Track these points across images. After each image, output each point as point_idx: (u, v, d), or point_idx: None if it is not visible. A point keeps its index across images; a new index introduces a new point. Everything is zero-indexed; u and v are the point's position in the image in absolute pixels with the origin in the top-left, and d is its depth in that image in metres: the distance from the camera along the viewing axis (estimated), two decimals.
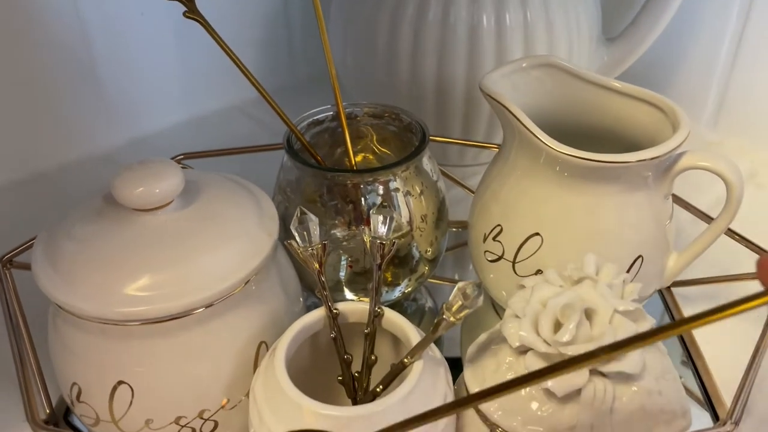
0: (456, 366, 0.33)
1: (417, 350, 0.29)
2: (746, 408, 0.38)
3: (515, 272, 0.39)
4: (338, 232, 0.39)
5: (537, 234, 0.37)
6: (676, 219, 0.45)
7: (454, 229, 0.52)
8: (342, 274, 0.41)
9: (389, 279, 0.41)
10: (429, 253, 0.42)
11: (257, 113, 0.70)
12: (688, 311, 0.45)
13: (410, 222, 0.40)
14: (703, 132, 0.65)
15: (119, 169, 0.32)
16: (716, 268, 0.46)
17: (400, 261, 0.41)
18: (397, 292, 0.42)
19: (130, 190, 0.31)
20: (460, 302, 0.28)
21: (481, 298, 0.28)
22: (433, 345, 0.31)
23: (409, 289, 0.43)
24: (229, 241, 0.32)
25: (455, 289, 0.28)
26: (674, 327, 0.20)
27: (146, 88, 0.64)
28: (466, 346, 0.37)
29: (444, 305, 0.29)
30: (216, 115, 0.69)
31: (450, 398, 0.30)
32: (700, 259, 0.47)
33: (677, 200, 0.46)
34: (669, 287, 0.47)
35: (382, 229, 0.32)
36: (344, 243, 0.39)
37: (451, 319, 0.28)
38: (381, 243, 0.32)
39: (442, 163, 0.52)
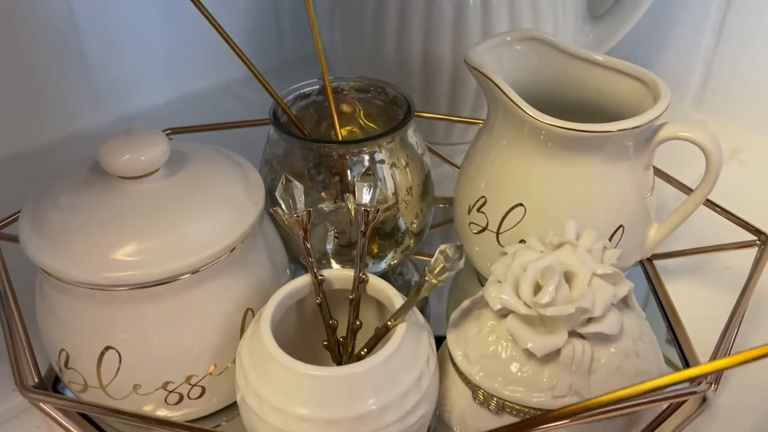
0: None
1: (400, 313, 0.30)
2: (724, 376, 0.39)
3: (499, 243, 0.39)
4: (325, 206, 0.40)
5: (520, 204, 0.38)
6: (659, 194, 0.45)
7: (441, 206, 0.52)
8: (329, 246, 0.41)
9: (375, 251, 0.42)
10: (414, 226, 0.42)
11: (245, 92, 0.70)
12: (669, 284, 0.46)
13: (396, 194, 0.40)
14: (688, 111, 0.66)
15: (105, 138, 0.32)
16: (698, 241, 0.47)
17: (386, 233, 0.41)
18: (383, 264, 0.43)
19: (117, 157, 0.31)
20: (441, 264, 0.29)
21: (463, 260, 0.29)
22: (416, 310, 0.32)
23: (395, 261, 0.43)
24: (215, 209, 0.33)
25: (437, 252, 0.29)
26: None
27: (133, 67, 0.64)
28: None
29: (426, 268, 0.29)
30: (203, 94, 0.69)
31: (433, 361, 0.31)
32: (682, 232, 0.48)
33: (659, 174, 0.47)
34: (651, 260, 0.47)
35: (367, 197, 0.32)
36: (331, 215, 0.40)
37: (433, 281, 0.29)
38: (365, 210, 0.32)
39: (430, 141, 0.52)
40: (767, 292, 0.45)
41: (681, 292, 0.45)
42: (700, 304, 0.44)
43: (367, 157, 0.38)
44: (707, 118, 0.65)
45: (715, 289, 0.46)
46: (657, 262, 0.47)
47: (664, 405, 0.31)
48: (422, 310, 0.32)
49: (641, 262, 0.47)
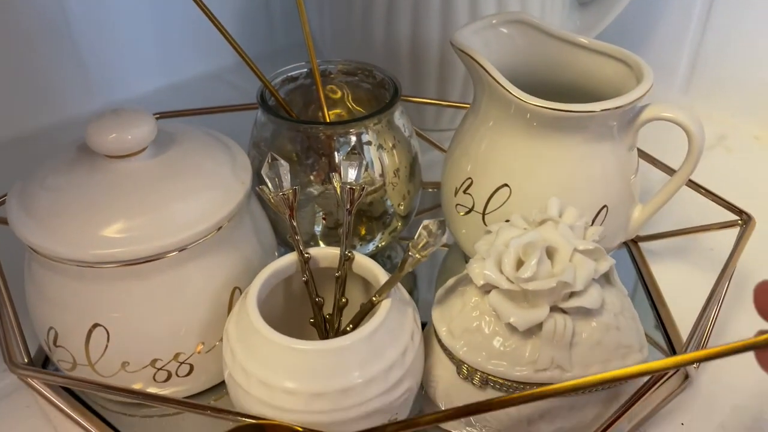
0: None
1: (385, 288, 0.30)
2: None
3: (485, 224, 0.39)
4: (314, 189, 0.40)
5: (505, 185, 0.38)
6: (646, 179, 0.46)
7: (430, 190, 0.53)
8: (317, 228, 0.42)
9: (363, 233, 0.42)
10: (402, 208, 0.43)
11: (236, 79, 0.70)
12: (655, 266, 0.47)
13: (383, 175, 0.40)
14: (676, 97, 0.66)
15: (92, 117, 0.32)
16: (683, 224, 0.47)
17: (373, 215, 0.42)
18: (371, 246, 0.43)
19: (104, 136, 0.31)
20: (425, 240, 0.29)
21: (445, 235, 0.29)
22: (401, 287, 0.32)
23: (383, 244, 0.44)
24: (202, 188, 0.33)
25: (420, 227, 0.29)
26: None
27: (124, 53, 0.64)
28: None
29: (410, 243, 0.30)
30: (193, 81, 0.69)
31: (417, 337, 0.31)
32: (667, 215, 0.48)
33: (646, 157, 0.47)
34: (637, 243, 0.48)
35: (352, 175, 0.33)
36: (319, 198, 0.40)
37: (417, 255, 0.29)
38: (351, 188, 0.32)
39: (420, 126, 0.52)
40: (751, 272, 0.45)
41: (666, 274, 0.46)
42: (685, 285, 0.45)
43: (354, 139, 0.39)
44: (694, 104, 0.65)
45: (699, 270, 0.47)
46: (643, 245, 0.48)
47: (645, 378, 0.32)
48: (411, 294, 0.33)
49: (627, 245, 0.48)
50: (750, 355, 0.40)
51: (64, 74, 0.61)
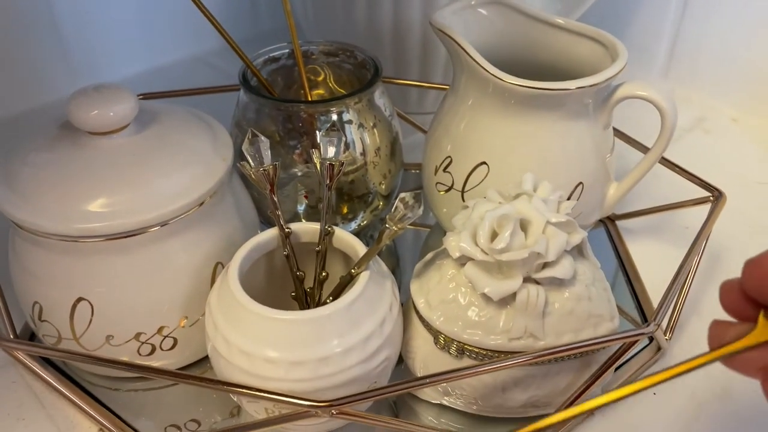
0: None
1: (363, 261, 0.31)
2: (679, 326, 0.41)
3: (464, 201, 0.40)
4: (296, 169, 0.41)
5: (484, 163, 0.39)
6: (624, 160, 0.47)
7: (413, 171, 0.54)
8: (300, 208, 0.42)
9: (345, 211, 0.43)
10: (383, 187, 0.43)
11: (220, 63, 0.70)
12: (632, 244, 0.48)
13: (364, 154, 0.41)
14: (655, 80, 0.67)
15: (74, 94, 0.33)
16: (660, 202, 0.48)
17: (355, 194, 0.42)
18: (353, 225, 0.44)
19: (86, 112, 0.32)
20: (402, 212, 0.30)
21: (422, 207, 0.30)
22: (380, 260, 0.33)
23: (365, 222, 0.44)
24: (184, 164, 0.33)
25: (396, 200, 0.30)
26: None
27: (106, 36, 0.64)
28: None
29: (387, 216, 0.30)
30: (177, 64, 0.69)
31: (396, 308, 0.32)
32: (644, 194, 0.49)
33: (620, 135, 0.48)
34: (614, 221, 0.49)
35: (331, 151, 0.33)
36: (301, 178, 0.41)
37: (394, 227, 0.30)
38: (330, 164, 0.33)
39: (403, 109, 0.53)
40: (725, 247, 0.47)
41: (643, 252, 0.47)
42: (660, 261, 0.46)
43: (335, 117, 0.39)
44: (673, 86, 0.66)
45: (675, 247, 0.47)
46: (620, 223, 0.49)
47: (616, 347, 0.33)
48: (393, 274, 0.33)
49: (604, 224, 0.49)
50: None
51: (46, 58, 0.61)
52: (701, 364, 0.24)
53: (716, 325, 0.25)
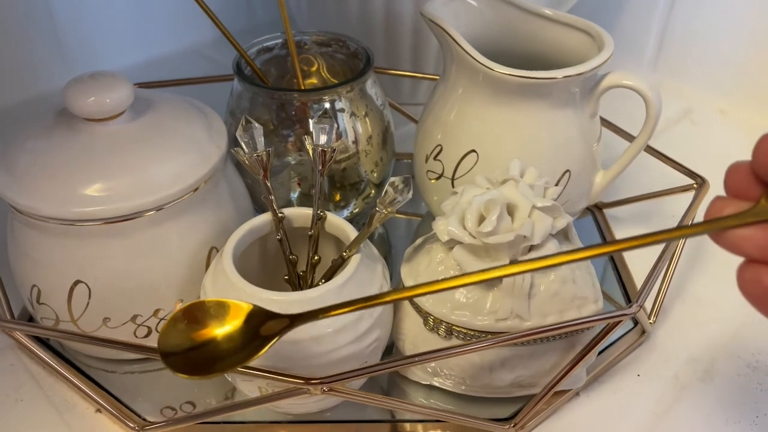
0: None
1: (355, 244, 0.32)
2: (663, 310, 0.42)
3: (454, 189, 0.41)
4: (290, 158, 0.41)
5: (473, 151, 0.40)
6: (612, 150, 0.48)
7: (406, 161, 0.54)
8: (293, 195, 0.43)
9: (337, 198, 0.44)
10: (375, 175, 0.44)
11: (214, 54, 0.71)
12: (619, 232, 0.49)
13: (356, 142, 0.42)
14: (644, 73, 0.68)
15: (70, 81, 0.33)
16: (646, 191, 0.49)
17: (347, 182, 0.43)
18: (345, 213, 0.45)
19: (82, 99, 0.32)
20: (392, 196, 0.31)
21: (411, 192, 0.31)
22: (370, 244, 0.34)
23: (357, 210, 0.45)
24: (179, 150, 0.34)
25: (387, 185, 0.31)
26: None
27: (102, 28, 0.64)
28: None
29: (378, 200, 0.31)
30: (172, 56, 0.70)
31: (386, 290, 0.33)
32: (633, 183, 0.50)
33: (608, 125, 0.49)
34: (601, 209, 0.50)
35: (324, 138, 0.34)
36: (295, 167, 0.42)
37: (384, 211, 0.31)
38: (322, 150, 0.34)
39: (396, 100, 0.54)
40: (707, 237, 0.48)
41: None
42: (647, 250, 0.47)
43: (327, 106, 0.40)
44: (662, 79, 0.67)
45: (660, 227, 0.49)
46: (607, 212, 0.50)
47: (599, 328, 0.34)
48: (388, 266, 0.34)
49: (592, 212, 0.50)
50: (702, 313, 0.42)
51: (41, 49, 0.62)
52: (695, 233, 0.22)
53: (717, 201, 0.23)
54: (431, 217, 0.48)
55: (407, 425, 0.35)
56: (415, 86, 0.60)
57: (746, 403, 0.37)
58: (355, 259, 0.32)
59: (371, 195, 0.45)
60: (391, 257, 0.47)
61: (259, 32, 0.46)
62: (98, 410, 0.36)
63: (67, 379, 0.35)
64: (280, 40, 0.44)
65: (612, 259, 0.46)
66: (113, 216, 0.32)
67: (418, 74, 0.54)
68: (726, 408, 0.37)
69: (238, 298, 0.30)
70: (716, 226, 0.21)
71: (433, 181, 0.42)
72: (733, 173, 0.23)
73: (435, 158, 0.42)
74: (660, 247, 0.38)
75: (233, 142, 0.39)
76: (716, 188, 0.46)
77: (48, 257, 0.33)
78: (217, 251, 0.36)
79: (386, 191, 0.31)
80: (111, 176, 0.32)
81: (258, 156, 0.33)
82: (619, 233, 0.48)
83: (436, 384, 0.36)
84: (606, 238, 0.48)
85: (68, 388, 0.37)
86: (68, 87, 0.33)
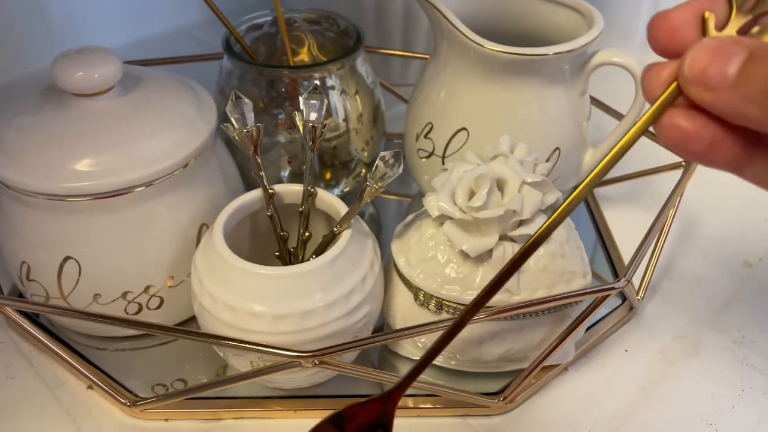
0: None
1: (345, 219, 0.32)
2: (651, 288, 0.42)
3: (444, 166, 0.41)
4: (280, 137, 0.41)
5: (464, 128, 0.40)
6: (601, 128, 0.48)
7: (397, 141, 0.54)
8: (284, 174, 0.43)
9: (328, 177, 0.44)
10: (365, 154, 0.44)
11: (203, 35, 0.70)
12: (609, 211, 0.49)
13: (346, 120, 0.42)
14: (635, 55, 0.68)
15: (58, 57, 0.33)
16: (637, 170, 0.50)
17: (338, 160, 0.43)
18: (336, 191, 0.45)
19: (70, 74, 0.32)
20: (382, 170, 0.31)
21: (401, 166, 0.31)
22: (361, 220, 0.34)
23: (348, 189, 0.45)
24: (168, 126, 0.34)
25: (377, 159, 0.31)
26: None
27: (90, 9, 0.64)
28: None
29: (369, 174, 0.31)
30: (161, 37, 0.69)
31: (377, 266, 0.33)
32: (622, 161, 0.50)
33: (598, 104, 0.49)
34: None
35: (314, 114, 0.34)
36: (285, 144, 0.42)
37: (375, 185, 0.31)
38: (312, 126, 0.34)
39: (387, 81, 0.53)
40: (698, 216, 0.48)
41: (620, 219, 0.48)
42: (636, 228, 0.47)
43: (317, 83, 0.40)
44: (652, 59, 0.67)
45: (651, 214, 0.48)
46: (597, 191, 0.50)
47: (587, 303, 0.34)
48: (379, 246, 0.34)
49: None
50: (689, 289, 0.43)
51: (28, 29, 0.61)
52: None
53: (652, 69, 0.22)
54: (422, 197, 0.48)
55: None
56: (406, 66, 0.60)
57: (732, 377, 0.38)
58: (346, 235, 0.32)
59: (362, 174, 0.45)
60: (381, 237, 0.47)
61: (248, 13, 0.45)
62: (90, 387, 0.36)
63: (59, 355, 0.35)
64: (269, 18, 0.44)
65: (601, 237, 0.47)
66: (103, 191, 0.32)
67: (409, 53, 0.54)
68: (712, 382, 0.37)
69: (228, 272, 0.30)
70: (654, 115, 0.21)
71: (423, 159, 0.43)
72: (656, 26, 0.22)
73: (425, 137, 0.42)
74: (648, 224, 0.38)
75: (223, 120, 0.39)
76: (708, 171, 0.46)
77: (37, 233, 0.33)
78: (208, 228, 0.36)
79: (377, 165, 0.31)
80: (100, 151, 0.32)
81: (248, 131, 0.33)
82: (609, 212, 0.49)
83: None
84: (595, 217, 0.48)
85: (59, 365, 0.37)
86: (56, 62, 0.33)
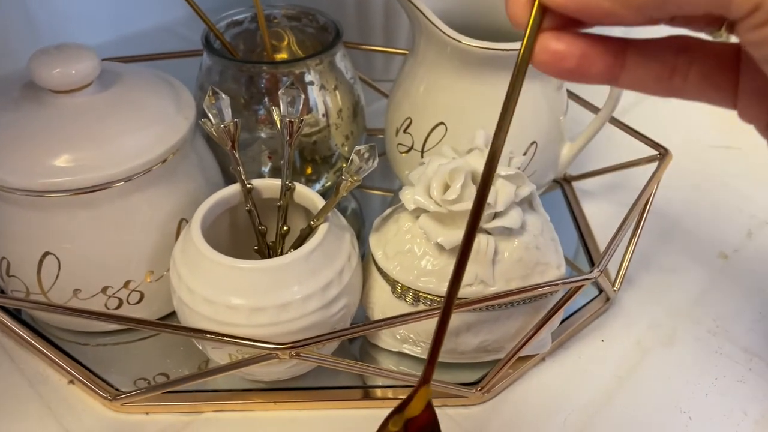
0: None
1: (322, 213, 0.32)
2: (628, 278, 0.43)
3: (422, 160, 0.42)
4: (261, 133, 0.42)
5: (442, 123, 0.40)
6: (581, 125, 0.48)
7: (379, 136, 0.55)
8: (265, 170, 0.43)
9: (308, 172, 0.44)
10: (346, 149, 0.45)
11: (185, 32, 0.70)
12: (587, 204, 0.50)
13: (326, 115, 0.42)
14: None
15: (36, 53, 0.33)
16: (615, 163, 0.50)
17: (319, 155, 0.43)
18: (317, 186, 0.45)
19: (48, 71, 0.32)
20: (357, 164, 0.31)
21: (376, 160, 0.31)
22: (339, 213, 0.35)
23: (329, 184, 0.46)
24: (147, 122, 0.34)
25: (352, 153, 0.31)
26: None
27: (72, 6, 0.64)
28: None
29: (344, 168, 0.32)
30: (144, 34, 0.69)
31: (354, 259, 0.34)
32: (600, 156, 0.51)
33: (576, 99, 0.49)
34: (570, 181, 0.51)
35: (291, 108, 0.34)
36: (264, 137, 0.42)
37: (350, 179, 0.31)
38: (290, 121, 0.34)
39: (368, 76, 0.54)
40: (674, 208, 0.49)
41: (598, 212, 0.49)
42: (614, 221, 0.48)
43: (294, 79, 0.40)
44: None
45: (628, 207, 0.50)
46: (576, 185, 0.51)
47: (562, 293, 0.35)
48: (358, 239, 0.35)
49: (561, 185, 0.51)
50: (665, 281, 0.43)
51: (11, 26, 0.61)
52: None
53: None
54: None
55: (378, 391, 0.36)
56: (388, 62, 0.61)
57: (706, 366, 0.39)
58: (322, 228, 0.32)
59: (343, 168, 0.45)
60: (364, 232, 0.48)
61: (228, 9, 0.45)
62: (71, 381, 0.36)
63: (40, 351, 0.35)
64: (249, 14, 0.44)
65: (579, 230, 0.47)
66: (81, 187, 0.32)
67: (389, 49, 0.54)
68: (686, 371, 0.38)
69: (205, 266, 0.31)
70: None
71: (403, 154, 0.43)
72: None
73: (405, 131, 0.42)
74: (622, 216, 0.39)
75: (202, 116, 0.39)
76: (685, 163, 0.47)
77: (16, 229, 0.33)
78: (187, 222, 0.36)
79: (351, 159, 0.31)
80: (79, 147, 0.32)
81: (225, 127, 0.33)
82: (588, 205, 0.49)
83: (406, 350, 0.37)
84: (574, 210, 0.49)
85: (40, 361, 0.37)
86: (34, 58, 0.33)
